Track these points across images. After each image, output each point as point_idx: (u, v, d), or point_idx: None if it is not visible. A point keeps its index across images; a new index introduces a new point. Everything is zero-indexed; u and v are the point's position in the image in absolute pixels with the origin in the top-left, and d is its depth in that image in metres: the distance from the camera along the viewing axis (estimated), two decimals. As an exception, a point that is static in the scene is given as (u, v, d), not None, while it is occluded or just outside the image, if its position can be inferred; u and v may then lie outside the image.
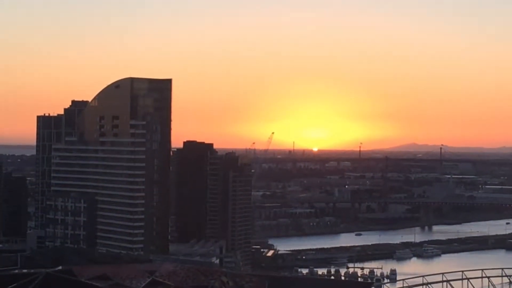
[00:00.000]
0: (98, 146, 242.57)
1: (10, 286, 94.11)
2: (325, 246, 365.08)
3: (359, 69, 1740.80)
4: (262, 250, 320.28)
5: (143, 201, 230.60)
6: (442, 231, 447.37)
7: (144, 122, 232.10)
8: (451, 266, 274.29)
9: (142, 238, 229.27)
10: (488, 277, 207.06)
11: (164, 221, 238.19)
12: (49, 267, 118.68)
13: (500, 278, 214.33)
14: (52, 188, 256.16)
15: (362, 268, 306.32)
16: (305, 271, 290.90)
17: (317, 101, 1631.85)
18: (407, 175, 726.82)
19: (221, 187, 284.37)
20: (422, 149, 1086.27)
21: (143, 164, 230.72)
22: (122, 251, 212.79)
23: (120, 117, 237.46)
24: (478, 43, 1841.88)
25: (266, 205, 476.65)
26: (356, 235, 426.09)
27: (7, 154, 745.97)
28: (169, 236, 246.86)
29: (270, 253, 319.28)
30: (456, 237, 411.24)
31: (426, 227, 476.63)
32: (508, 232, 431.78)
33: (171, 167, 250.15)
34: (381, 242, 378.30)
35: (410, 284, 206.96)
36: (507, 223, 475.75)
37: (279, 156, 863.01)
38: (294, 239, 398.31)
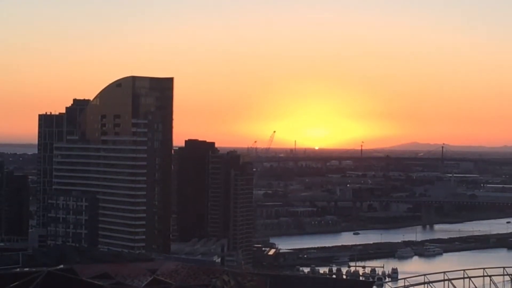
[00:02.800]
0: (100, 145, 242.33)
1: (12, 285, 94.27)
2: (327, 245, 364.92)
3: (361, 68, 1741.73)
4: (263, 248, 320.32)
5: (144, 200, 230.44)
6: (444, 230, 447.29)
7: (145, 121, 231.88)
8: (453, 265, 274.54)
9: (143, 237, 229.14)
10: (490, 276, 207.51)
11: (166, 219, 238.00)
12: (50, 265, 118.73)
13: (501, 276, 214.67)
14: (54, 186, 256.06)
15: (364, 267, 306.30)
16: (306, 270, 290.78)
17: (318, 100, 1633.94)
18: (409, 174, 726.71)
19: (223, 185, 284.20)
20: (423, 148, 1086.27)
21: (145, 163, 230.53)
22: (124, 250, 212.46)
23: (121, 115, 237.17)
24: (480, 42, 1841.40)
25: (267, 203, 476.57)
26: (354, 234, 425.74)
27: (9, 153, 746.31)
28: (171, 235, 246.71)
29: (272, 252, 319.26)
30: (457, 236, 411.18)
31: (428, 226, 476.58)
32: (509, 231, 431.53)
33: (172, 166, 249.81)
34: (383, 241, 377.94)
35: (411, 283, 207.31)
36: (508, 222, 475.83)
37: (280, 155, 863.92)
38: (296, 238, 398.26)
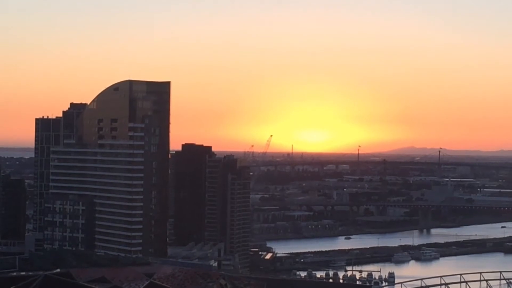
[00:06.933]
0: (97, 149, 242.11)
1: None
2: (324, 249, 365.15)
3: (358, 71, 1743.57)
4: (260, 253, 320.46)
5: (141, 204, 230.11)
6: (441, 234, 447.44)
7: (142, 125, 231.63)
8: (450, 269, 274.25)
9: (140, 241, 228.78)
10: (486, 280, 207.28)
11: (163, 223, 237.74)
12: (47, 269, 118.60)
13: (498, 281, 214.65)
14: (51, 190, 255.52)
15: (361, 271, 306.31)
16: (303, 274, 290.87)
17: (316, 103, 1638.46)
18: (406, 178, 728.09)
19: (220, 190, 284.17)
20: (420, 152, 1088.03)
21: (142, 167, 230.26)
22: (121, 254, 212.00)
23: (118, 119, 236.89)
24: (478, 47, 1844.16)
25: (264, 208, 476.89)
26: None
27: (6, 157, 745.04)
28: (168, 239, 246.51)
29: (269, 256, 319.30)
30: (454, 240, 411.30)
31: (425, 230, 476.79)
32: (506, 235, 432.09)
33: (169, 170, 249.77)
34: (380, 245, 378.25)
35: (408, 287, 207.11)
36: (503, 227, 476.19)
37: (277, 159, 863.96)
38: (293, 242, 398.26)
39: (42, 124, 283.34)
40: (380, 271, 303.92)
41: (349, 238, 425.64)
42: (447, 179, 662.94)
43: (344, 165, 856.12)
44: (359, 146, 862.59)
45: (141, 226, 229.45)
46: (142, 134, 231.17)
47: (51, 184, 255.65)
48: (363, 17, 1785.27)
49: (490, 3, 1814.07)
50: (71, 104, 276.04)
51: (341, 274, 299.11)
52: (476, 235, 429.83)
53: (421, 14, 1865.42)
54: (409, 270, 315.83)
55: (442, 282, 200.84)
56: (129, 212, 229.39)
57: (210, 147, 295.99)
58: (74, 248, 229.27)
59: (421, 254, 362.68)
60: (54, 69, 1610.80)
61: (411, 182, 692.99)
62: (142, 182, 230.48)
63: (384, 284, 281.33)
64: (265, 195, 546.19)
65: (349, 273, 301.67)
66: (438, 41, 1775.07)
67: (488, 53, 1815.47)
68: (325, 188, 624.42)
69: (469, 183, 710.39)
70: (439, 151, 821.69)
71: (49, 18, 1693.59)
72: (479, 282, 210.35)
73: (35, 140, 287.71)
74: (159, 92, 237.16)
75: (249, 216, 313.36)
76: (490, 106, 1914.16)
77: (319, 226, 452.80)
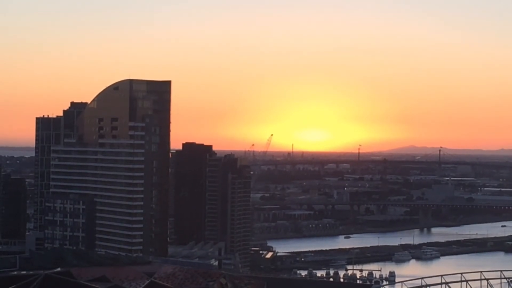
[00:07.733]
0: (97, 148, 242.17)
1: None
2: (324, 248, 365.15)
3: (359, 71, 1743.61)
4: (261, 252, 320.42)
5: (142, 203, 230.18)
6: (441, 233, 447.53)
7: (143, 124, 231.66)
8: (450, 268, 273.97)
9: (141, 240, 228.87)
10: (487, 279, 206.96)
11: (163, 223, 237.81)
12: (48, 268, 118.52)
13: (498, 280, 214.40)
14: (51, 189, 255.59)
15: (361, 270, 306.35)
16: (304, 273, 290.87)
17: (316, 103, 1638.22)
18: (406, 177, 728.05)
19: (220, 189, 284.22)
20: (421, 152, 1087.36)
21: (142, 166, 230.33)
22: (121, 253, 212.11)
23: (119, 119, 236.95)
24: (478, 47, 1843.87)
25: (265, 207, 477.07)
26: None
27: (6, 156, 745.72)
28: (168, 238, 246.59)
29: (269, 255, 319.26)
30: (455, 239, 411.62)
31: (425, 229, 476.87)
32: (507, 234, 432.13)
33: (170, 169, 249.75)
34: (380, 244, 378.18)
35: (409, 286, 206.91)
36: (503, 226, 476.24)
37: (278, 158, 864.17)
38: (293, 241, 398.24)
39: (43, 123, 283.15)
40: (380, 270, 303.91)
41: (350, 237, 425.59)
42: (448, 178, 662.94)
43: (344, 164, 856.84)
44: (360, 145, 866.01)
45: (141, 225, 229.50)
46: (143, 133, 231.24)
47: (51, 183, 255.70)
48: (363, 17, 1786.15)
49: (490, 3, 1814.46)
50: (72, 103, 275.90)
51: (341, 273, 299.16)
52: (476, 234, 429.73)
53: (420, 14, 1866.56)
54: (410, 269, 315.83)
55: (443, 281, 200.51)
56: (130, 211, 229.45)
57: (210, 146, 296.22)
58: (74, 247, 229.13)
59: (421, 253, 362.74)
60: (54, 68, 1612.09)
61: (411, 181, 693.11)
62: (142, 181, 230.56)
63: (384, 283, 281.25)
64: (266, 194, 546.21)
65: (349, 272, 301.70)
66: (437, 40, 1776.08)
67: (488, 53, 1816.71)
68: (325, 187, 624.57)
69: (470, 182, 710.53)
70: (440, 150, 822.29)
71: (49, 18, 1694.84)
72: (479, 281, 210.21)
73: (36, 139, 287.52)
74: (159, 92, 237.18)
75: (250, 215, 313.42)
76: (490, 106, 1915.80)
77: (320, 225, 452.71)
